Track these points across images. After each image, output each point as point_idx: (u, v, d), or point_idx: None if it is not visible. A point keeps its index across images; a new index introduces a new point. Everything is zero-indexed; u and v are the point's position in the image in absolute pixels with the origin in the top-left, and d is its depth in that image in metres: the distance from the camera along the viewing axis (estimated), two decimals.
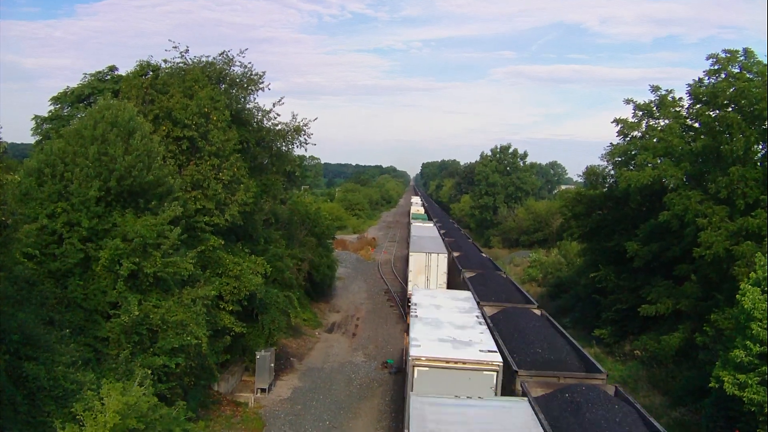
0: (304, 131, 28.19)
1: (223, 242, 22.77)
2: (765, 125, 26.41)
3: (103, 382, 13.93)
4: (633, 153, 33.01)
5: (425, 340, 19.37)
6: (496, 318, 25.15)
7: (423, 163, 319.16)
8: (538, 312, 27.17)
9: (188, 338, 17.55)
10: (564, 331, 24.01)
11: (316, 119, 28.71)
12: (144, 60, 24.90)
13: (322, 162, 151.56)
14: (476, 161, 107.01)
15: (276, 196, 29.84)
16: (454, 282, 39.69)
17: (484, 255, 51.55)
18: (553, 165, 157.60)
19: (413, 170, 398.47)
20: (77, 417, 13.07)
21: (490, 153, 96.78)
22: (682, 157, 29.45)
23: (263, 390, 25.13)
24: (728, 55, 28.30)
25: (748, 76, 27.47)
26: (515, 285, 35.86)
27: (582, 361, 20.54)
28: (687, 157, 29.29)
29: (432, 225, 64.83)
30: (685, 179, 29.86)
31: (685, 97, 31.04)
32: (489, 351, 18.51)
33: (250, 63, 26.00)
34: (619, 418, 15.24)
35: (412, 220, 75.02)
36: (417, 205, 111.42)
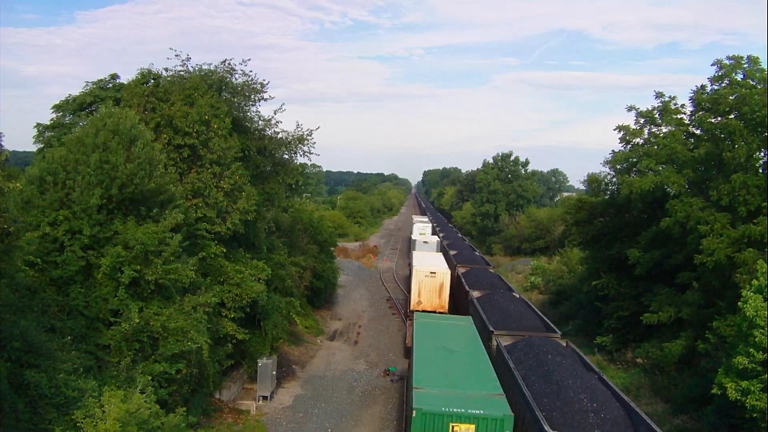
0: (307, 141, 27.96)
1: (224, 250, 22.77)
2: (767, 133, 26.41)
3: (105, 389, 13.95)
4: (635, 160, 32.98)
5: None
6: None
7: (424, 171, 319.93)
8: (563, 342, 24.37)
9: (188, 344, 17.56)
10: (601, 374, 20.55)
11: (318, 128, 28.35)
12: (145, 68, 24.97)
13: (324, 169, 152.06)
14: (478, 169, 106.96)
15: (278, 205, 29.78)
16: (462, 306, 36.36)
17: (492, 271, 45.37)
18: (555, 172, 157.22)
19: (415, 178, 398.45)
20: (78, 424, 13.08)
21: (491, 160, 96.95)
22: (684, 164, 29.42)
23: (265, 397, 25.09)
24: (732, 62, 28.27)
25: (751, 83, 27.46)
26: (530, 306, 32.48)
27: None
28: (689, 164, 29.27)
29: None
30: (687, 186, 29.83)
31: (688, 103, 31.10)
32: None
33: (251, 71, 25.90)
34: None
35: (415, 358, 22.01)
36: (429, 248, 51.74)
